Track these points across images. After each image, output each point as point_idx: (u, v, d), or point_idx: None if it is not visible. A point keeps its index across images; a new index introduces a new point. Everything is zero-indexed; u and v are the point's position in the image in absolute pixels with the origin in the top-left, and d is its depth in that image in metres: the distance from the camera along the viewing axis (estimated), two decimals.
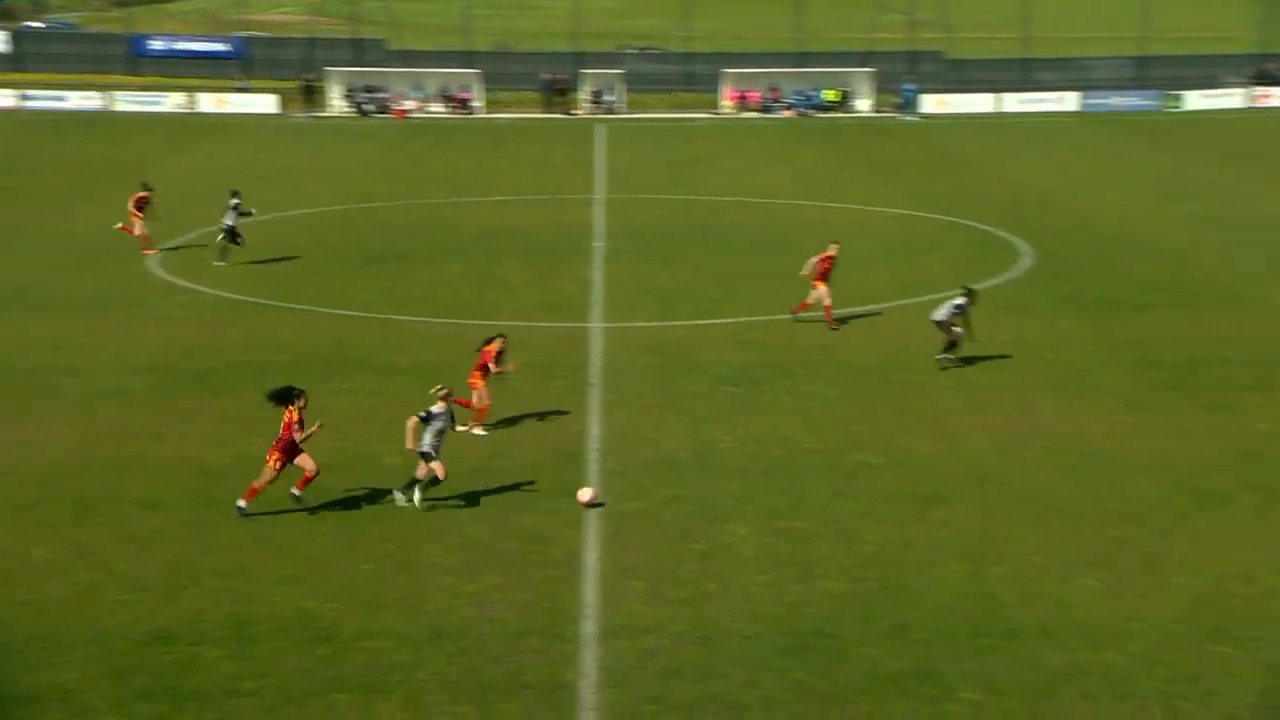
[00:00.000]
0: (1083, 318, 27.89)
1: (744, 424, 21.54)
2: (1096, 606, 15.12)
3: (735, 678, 13.72)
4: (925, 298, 28.76)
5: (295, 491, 17.75)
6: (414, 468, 17.86)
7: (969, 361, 24.35)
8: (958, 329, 24.07)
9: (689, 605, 15.26)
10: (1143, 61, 77.24)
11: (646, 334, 27.34)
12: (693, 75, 77.57)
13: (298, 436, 17.44)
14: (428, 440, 17.58)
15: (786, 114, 72.08)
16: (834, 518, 17.80)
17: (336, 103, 72.63)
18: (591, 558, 16.51)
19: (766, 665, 13.95)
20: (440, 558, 16.53)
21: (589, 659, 14.11)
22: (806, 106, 72.37)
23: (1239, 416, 21.51)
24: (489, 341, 21.17)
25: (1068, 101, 72.94)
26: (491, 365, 20.99)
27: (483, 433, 21.00)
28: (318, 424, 17.61)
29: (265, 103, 72.01)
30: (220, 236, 33.31)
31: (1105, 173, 49.47)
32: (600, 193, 45.76)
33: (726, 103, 73.58)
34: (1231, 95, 72.80)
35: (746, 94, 73.73)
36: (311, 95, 71.95)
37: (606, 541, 16.96)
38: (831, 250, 27.07)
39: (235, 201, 33.51)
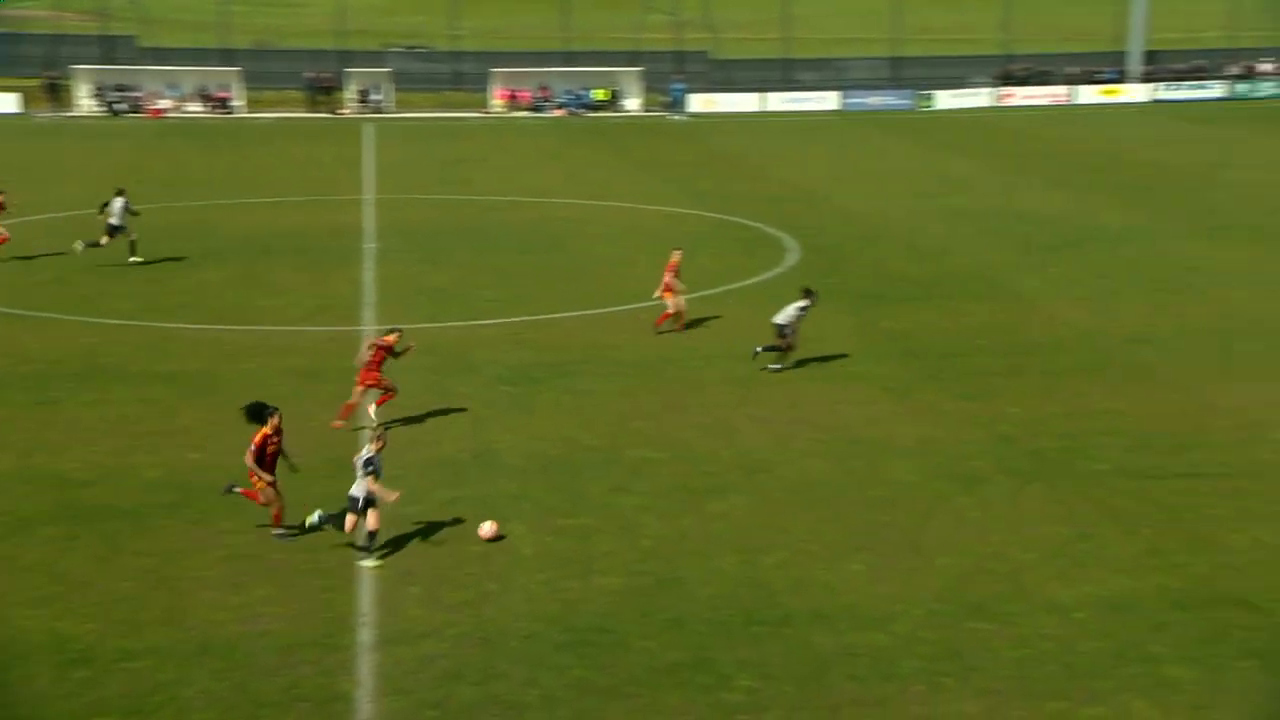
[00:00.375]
0: (847, 311, 28.74)
1: (522, 423, 21.46)
2: (863, 589, 15.60)
3: (515, 677, 13.63)
4: (697, 294, 29.18)
5: (234, 486, 17.05)
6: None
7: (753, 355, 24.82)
8: (790, 332, 24.10)
9: (468, 607, 15.11)
10: (896, 62, 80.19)
11: (420, 335, 26.90)
12: (461, 74, 76.99)
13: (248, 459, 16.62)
14: (361, 489, 16.15)
15: (557, 113, 72.22)
16: (613, 513, 17.89)
17: (85, 102, 69.43)
18: (366, 565, 16.16)
19: (546, 663, 13.91)
20: (205, 571, 15.94)
21: (366, 667, 13.82)
22: (577, 106, 72.67)
23: (994, 403, 22.49)
24: (386, 337, 21.14)
25: (828, 101, 75.19)
26: (376, 357, 20.86)
27: (374, 419, 20.97)
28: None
29: (6, 102, 68.38)
30: (109, 237, 32.37)
31: (866, 170, 51.18)
32: (370, 193, 44.97)
33: (497, 102, 73.29)
34: (979, 94, 76.24)
35: (517, 93, 73.56)
36: (57, 94, 68.60)
37: (382, 547, 16.63)
38: (675, 257, 27.14)
39: (121, 201, 32.57)
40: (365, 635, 14.47)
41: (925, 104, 75.17)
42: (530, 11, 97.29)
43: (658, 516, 17.76)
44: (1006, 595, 15.37)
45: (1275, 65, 78.06)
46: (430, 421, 21.56)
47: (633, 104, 74.07)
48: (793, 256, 34.60)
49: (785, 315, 24.15)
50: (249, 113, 69.90)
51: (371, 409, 21.14)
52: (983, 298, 29.91)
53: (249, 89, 71.23)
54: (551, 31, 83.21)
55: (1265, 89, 76.17)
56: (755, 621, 14.80)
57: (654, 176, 49.23)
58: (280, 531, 16.87)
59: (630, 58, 76.74)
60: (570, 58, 78.47)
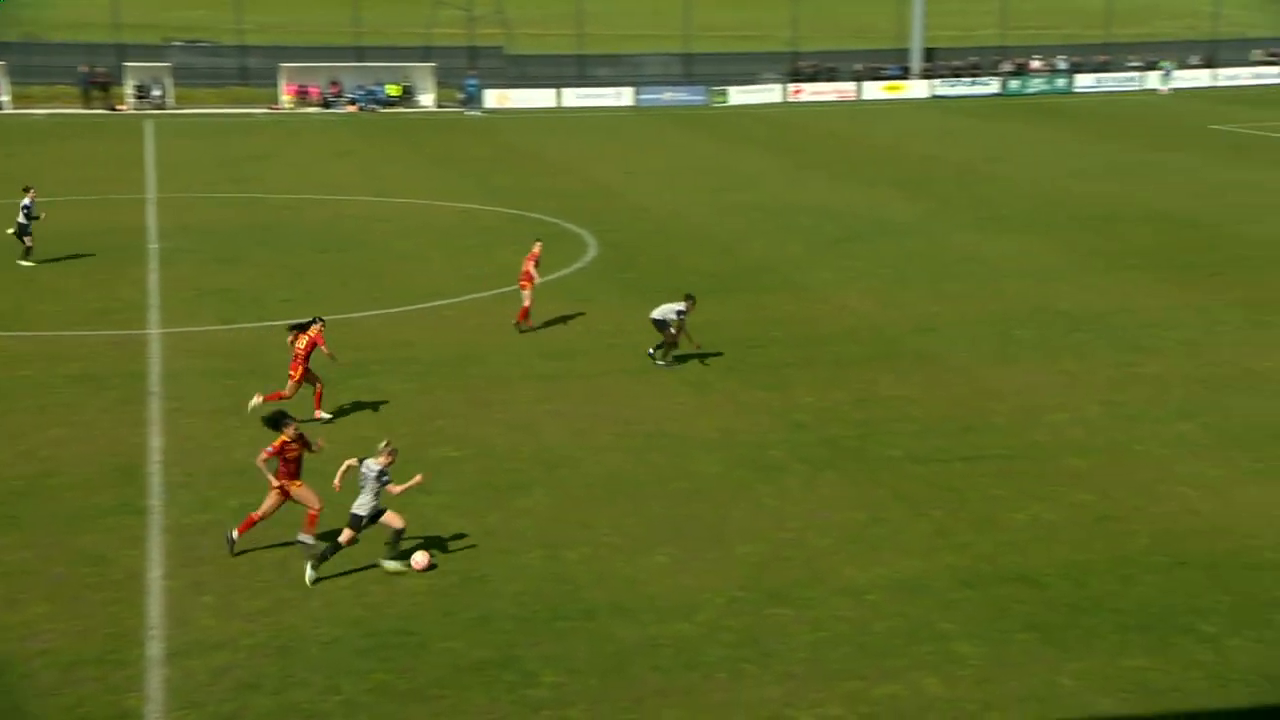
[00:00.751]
0: (646, 305, 28.87)
1: (320, 425, 20.99)
2: (667, 580, 15.76)
3: (315, 685, 13.34)
4: (496, 291, 29.05)
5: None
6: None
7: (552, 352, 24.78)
8: (674, 330, 24.19)
9: (265, 616, 14.72)
10: (689, 59, 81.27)
11: (210, 338, 26.17)
12: (248, 69, 74.88)
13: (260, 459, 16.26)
14: (368, 501, 15.63)
15: (349, 109, 70.91)
16: (415, 513, 17.61)
17: None
18: (156, 576, 15.63)
19: (347, 669, 13.66)
20: None
21: (155, 682, 13.33)
22: (369, 101, 71.47)
23: (789, 393, 22.97)
24: (300, 329, 21.02)
25: (623, 97, 75.72)
26: (323, 348, 21.00)
27: (328, 416, 21.34)
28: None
29: None
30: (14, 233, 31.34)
31: (661, 165, 51.69)
32: (152, 192, 43.38)
33: (286, 98, 71.55)
34: (770, 90, 77.85)
35: (306, 89, 71.97)
36: None
37: (172, 557, 16.10)
38: (536, 248, 26.91)
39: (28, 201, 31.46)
40: (154, 649, 13.96)
41: (718, 100, 76.36)
42: (319, 6, 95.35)
43: (461, 515, 17.61)
44: (804, 580, 15.73)
45: (1044, 62, 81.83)
46: (221, 426, 20.93)
47: (427, 100, 73.25)
48: (591, 252, 34.73)
49: (661, 312, 24.29)
50: (15, 108, 66.62)
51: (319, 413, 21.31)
52: (776, 290, 30.53)
53: (15, 84, 67.91)
54: (341, 26, 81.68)
55: (1035, 85, 79.76)
56: (560, 617, 14.82)
57: (450, 173, 48.80)
58: (306, 539, 16.25)
59: (423, 53, 75.88)
60: (361, 53, 77.13)
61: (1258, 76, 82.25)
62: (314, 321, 21.35)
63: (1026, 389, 22.95)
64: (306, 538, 16.30)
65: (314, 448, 16.53)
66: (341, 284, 30.66)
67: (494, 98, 72.59)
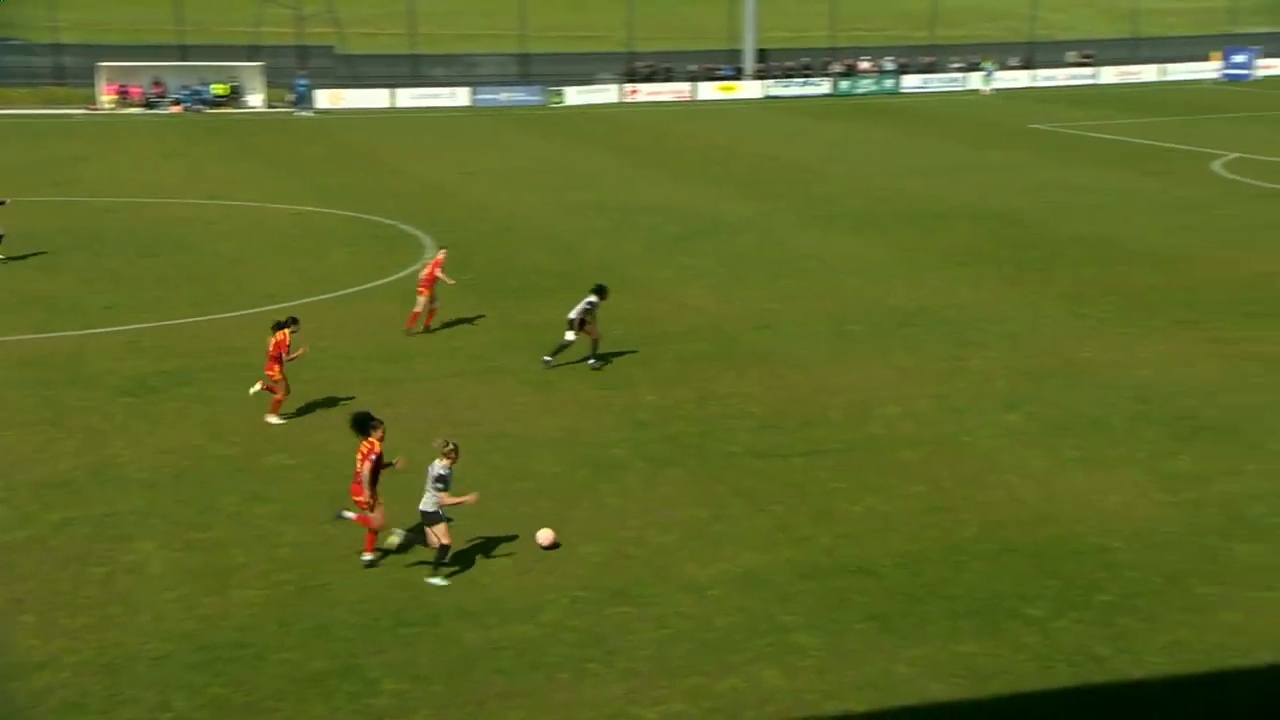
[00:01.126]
0: (485, 306, 28.79)
1: (146, 435, 20.37)
2: (510, 582, 15.66)
3: (145, 702, 12.91)
4: (333, 294, 28.55)
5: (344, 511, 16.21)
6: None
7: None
8: (593, 326, 23.95)
9: (90, 633, 14.19)
10: (525, 59, 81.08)
11: (27, 347, 25.16)
12: (63, 68, 72.30)
13: (400, 464, 16.13)
14: (431, 501, 15.36)
15: (174, 109, 69.00)
16: (249, 523, 17.25)
17: None
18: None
19: (179, 684, 13.24)
20: None
21: None
22: (195, 102, 69.65)
23: (631, 391, 23.04)
24: (280, 328, 20.89)
25: (459, 97, 75.21)
26: (285, 355, 20.80)
27: (279, 421, 21.01)
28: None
29: None
30: None
31: (499, 166, 51.42)
32: None
33: (106, 98, 69.25)
34: (607, 91, 78.14)
35: (127, 89, 69.76)
36: None
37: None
38: (440, 255, 26.60)
39: None
40: None
41: (555, 100, 76.35)
42: (138, 2, 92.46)
43: (298, 524, 17.23)
44: (647, 578, 15.78)
45: (872, 63, 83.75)
46: (41, 438, 20.14)
47: (255, 100, 71.68)
48: (430, 253, 34.33)
49: (576, 310, 24.09)
50: None
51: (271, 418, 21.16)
52: (616, 289, 30.50)
53: None
54: (163, 24, 79.32)
55: (865, 85, 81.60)
56: (403, 623, 14.60)
57: (282, 174, 47.80)
58: (370, 558, 15.98)
59: (250, 52, 74.19)
60: (185, 51, 75.06)
61: (1073, 77, 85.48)
62: (289, 323, 21.23)
63: (861, 384, 23.41)
64: (368, 557, 16.04)
65: (397, 465, 16.23)
66: (169, 289, 29.78)
67: (326, 98, 71.40)
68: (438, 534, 15.46)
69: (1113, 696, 13.23)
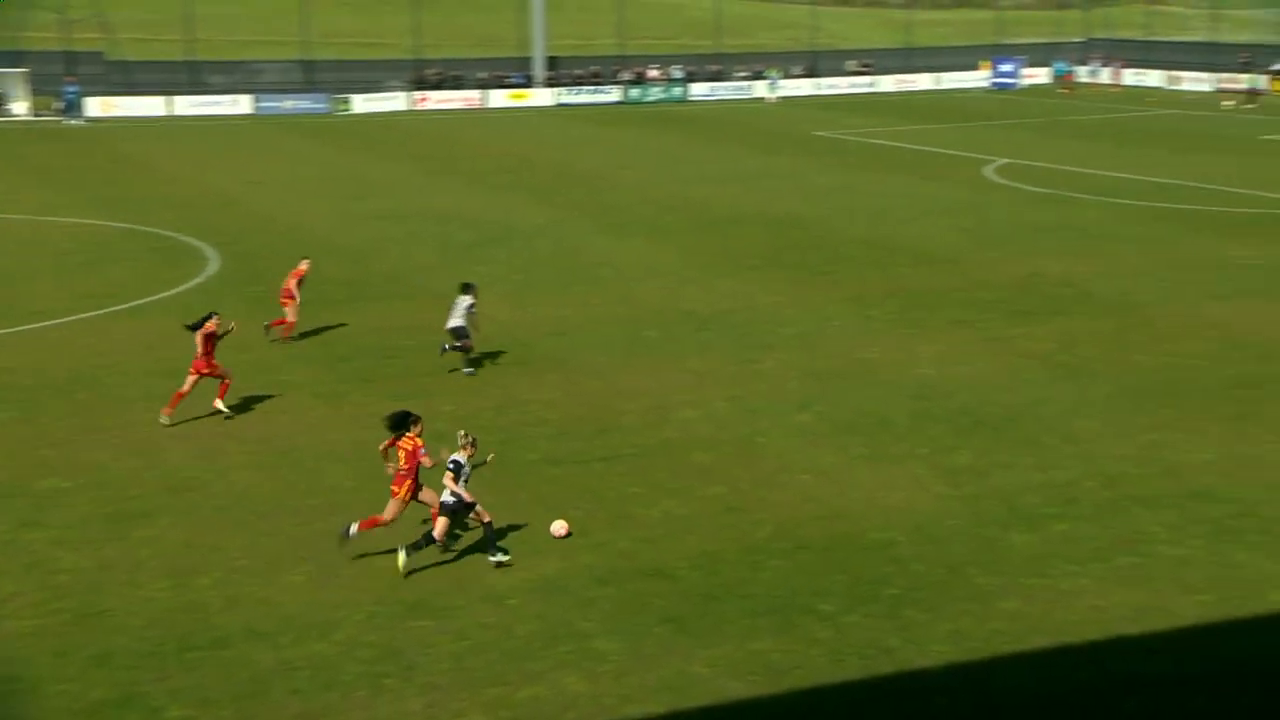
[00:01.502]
0: (273, 318, 28.06)
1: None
2: (304, 600, 15.30)
3: None
4: (109, 309, 27.45)
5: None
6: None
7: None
8: (469, 335, 23.84)
9: None
10: (309, 65, 79.47)
11: None
12: None
13: (425, 462, 16.00)
14: (448, 492, 15.83)
15: None
16: (21, 550, 16.45)
17: None
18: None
19: None
20: None
21: None
22: None
23: (427, 402, 22.64)
24: (203, 322, 21.08)
25: (241, 105, 73.30)
26: (206, 346, 21.06)
27: (226, 410, 21.46)
28: None
29: None
30: None
31: (285, 175, 50.29)
32: None
33: None
34: (395, 99, 77.18)
35: None
36: None
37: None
38: (303, 266, 26.16)
39: None
40: None
41: (342, 108, 75.09)
42: None
43: (74, 549, 16.51)
44: (445, 590, 15.62)
45: (661, 72, 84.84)
46: None
47: (20, 108, 68.52)
48: (213, 265, 33.37)
49: (458, 318, 23.84)
50: None
51: (218, 402, 21.44)
52: (409, 298, 30.26)
53: None
54: None
55: (655, 93, 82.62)
56: (190, 647, 14.11)
57: (52, 185, 45.81)
58: (354, 529, 16.21)
59: (13, 58, 70.81)
60: None
61: (854, 85, 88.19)
62: (209, 317, 21.38)
63: (656, 388, 23.66)
64: (353, 529, 16.21)
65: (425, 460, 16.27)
66: None
67: (98, 105, 68.74)
68: (479, 514, 16.07)
69: (900, 686, 13.66)
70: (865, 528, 17.46)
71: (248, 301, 29.63)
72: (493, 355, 25.58)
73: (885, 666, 13.94)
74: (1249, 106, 73.23)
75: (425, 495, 16.43)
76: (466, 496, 15.93)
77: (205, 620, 14.75)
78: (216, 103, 72.78)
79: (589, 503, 18.33)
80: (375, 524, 16.24)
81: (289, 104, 74.38)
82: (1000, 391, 23.21)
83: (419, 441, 16.14)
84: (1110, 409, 22.12)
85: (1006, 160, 53.07)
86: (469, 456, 15.99)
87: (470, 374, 24.18)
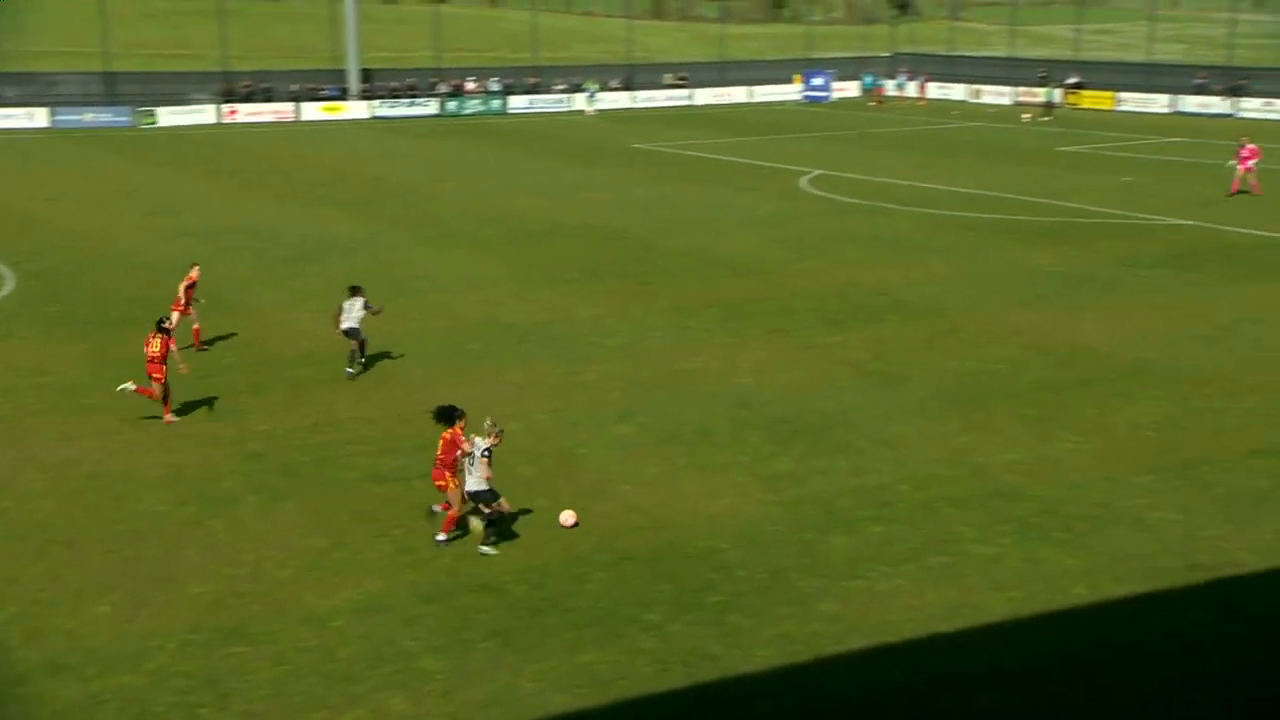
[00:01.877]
0: (76, 339, 27.07)
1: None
2: (111, 631, 14.71)
3: None
4: None
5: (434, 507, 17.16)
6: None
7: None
8: (363, 336, 23.92)
9: None
10: (111, 77, 76.81)
11: None
12: None
13: (466, 448, 16.62)
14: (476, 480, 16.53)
15: None
16: None
17: None
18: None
19: None
20: None
21: None
22: None
23: (241, 421, 22.18)
24: (161, 330, 21.59)
25: (37, 118, 70.53)
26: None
27: (175, 419, 21.82)
28: None
29: None
30: None
31: (86, 190, 48.49)
32: None
33: None
34: (203, 111, 75.12)
35: None
36: None
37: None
38: (194, 273, 26.05)
39: None
40: None
41: (146, 121, 72.79)
42: None
43: None
44: (263, 614, 15.20)
45: (478, 84, 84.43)
46: None
47: None
48: (8, 285, 31.95)
49: (352, 320, 23.86)
50: None
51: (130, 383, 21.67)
52: (223, 314, 29.43)
53: None
54: None
55: (472, 106, 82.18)
56: None
57: None
58: (445, 538, 16.95)
59: None
60: None
61: (670, 98, 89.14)
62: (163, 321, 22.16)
63: (478, 401, 23.37)
64: (443, 537, 16.98)
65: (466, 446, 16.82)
66: None
67: None
68: (500, 506, 16.71)
69: (724, 692, 13.79)
70: (689, 536, 17.60)
71: (46, 321, 28.51)
72: (311, 372, 25.06)
73: (710, 673, 14.06)
74: (1045, 119, 76.37)
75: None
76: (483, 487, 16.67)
77: (3, 656, 14.05)
78: (10, 116, 69.83)
79: (412, 520, 18.06)
80: (453, 521, 17.09)
81: (89, 117, 71.77)
82: (817, 399, 23.68)
83: (460, 435, 16.83)
84: (922, 413, 22.77)
85: (820, 172, 54.28)
86: (496, 443, 16.77)
87: (351, 376, 24.41)
